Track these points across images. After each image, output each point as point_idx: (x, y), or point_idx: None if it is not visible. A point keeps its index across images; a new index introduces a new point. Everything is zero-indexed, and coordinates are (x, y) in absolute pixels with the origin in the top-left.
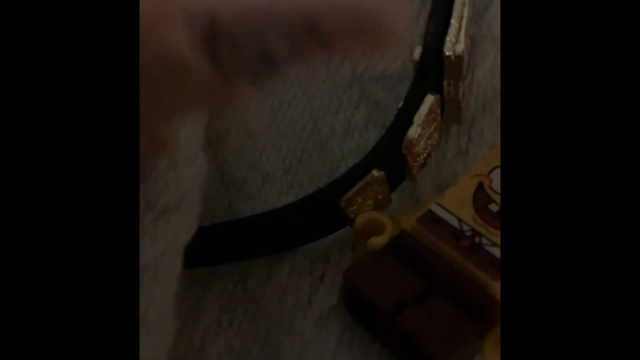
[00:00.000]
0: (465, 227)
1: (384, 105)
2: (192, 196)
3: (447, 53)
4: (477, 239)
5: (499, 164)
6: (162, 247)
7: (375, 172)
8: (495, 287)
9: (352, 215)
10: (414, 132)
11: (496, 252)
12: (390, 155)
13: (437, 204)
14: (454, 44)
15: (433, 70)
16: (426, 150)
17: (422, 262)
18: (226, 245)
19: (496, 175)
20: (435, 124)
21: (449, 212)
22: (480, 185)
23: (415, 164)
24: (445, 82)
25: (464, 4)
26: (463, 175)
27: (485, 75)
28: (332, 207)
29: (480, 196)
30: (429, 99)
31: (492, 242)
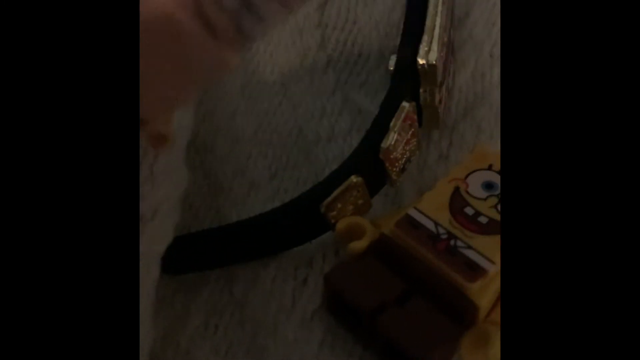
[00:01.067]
0: (441, 231)
1: (367, 112)
2: (168, 207)
3: (420, 62)
4: (452, 242)
5: (475, 168)
6: None
7: (353, 178)
8: (470, 289)
9: (333, 220)
10: (390, 138)
11: (471, 254)
12: (368, 161)
13: (415, 208)
14: (427, 53)
15: (408, 79)
16: (405, 156)
17: (402, 265)
18: (212, 251)
19: (472, 180)
20: (413, 130)
21: (426, 216)
22: (457, 190)
23: (395, 169)
24: (421, 90)
25: (436, 13)
26: (440, 180)
27: (467, 80)
28: (313, 212)
29: (456, 200)
30: (404, 107)
31: (468, 244)
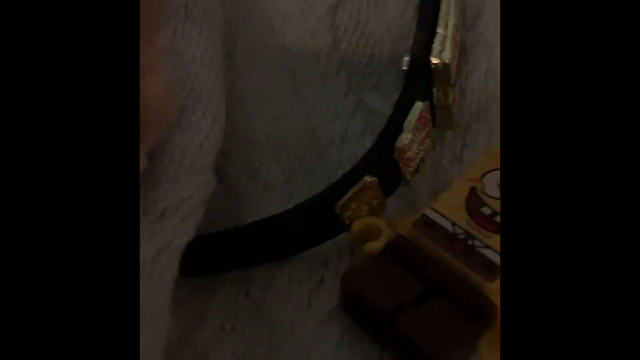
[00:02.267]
0: (458, 231)
1: (380, 114)
2: (191, 205)
3: (433, 61)
4: (470, 242)
5: (491, 168)
6: (158, 247)
7: (367, 178)
8: (489, 288)
9: (348, 221)
10: (404, 138)
11: (489, 254)
12: (382, 162)
13: (432, 208)
14: (441, 52)
15: (421, 78)
16: (419, 156)
17: (419, 265)
18: (227, 253)
19: (489, 179)
20: (427, 130)
21: (443, 216)
22: (473, 190)
23: (409, 169)
24: (434, 89)
25: (449, 12)
26: (457, 180)
27: (479, 81)
28: (327, 213)
29: (473, 200)
30: (418, 106)
31: (485, 244)
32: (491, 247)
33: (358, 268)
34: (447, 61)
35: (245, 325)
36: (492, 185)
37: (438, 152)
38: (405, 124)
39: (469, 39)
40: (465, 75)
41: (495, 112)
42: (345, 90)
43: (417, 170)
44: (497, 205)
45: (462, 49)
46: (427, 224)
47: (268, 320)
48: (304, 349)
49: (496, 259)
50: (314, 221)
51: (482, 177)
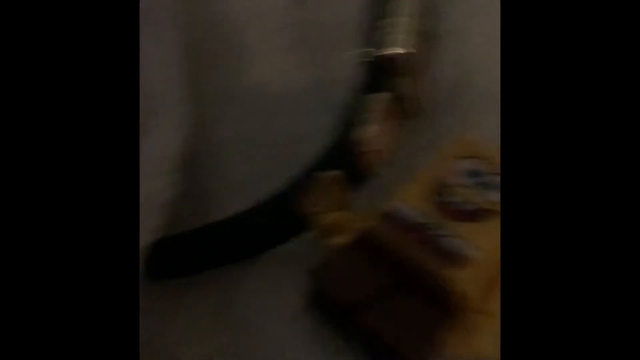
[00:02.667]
0: (425, 221)
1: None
2: (147, 209)
3: (390, 51)
4: (437, 232)
5: (459, 157)
6: None
7: (331, 173)
8: (456, 278)
9: (314, 217)
10: (366, 130)
11: (457, 243)
12: (346, 155)
13: (398, 200)
14: (397, 44)
15: (380, 70)
16: (387, 147)
17: (385, 259)
18: (194, 254)
19: (456, 168)
20: (393, 121)
21: (409, 207)
22: (441, 179)
23: (376, 161)
24: (396, 80)
25: (406, 3)
26: (422, 170)
27: (451, 69)
28: (292, 210)
29: (440, 189)
30: (380, 97)
31: (453, 234)
32: (459, 236)
33: (325, 264)
34: (403, 52)
35: (214, 328)
36: (460, 174)
37: (409, 142)
38: (367, 116)
39: (438, 28)
40: (435, 64)
41: (466, 101)
42: (313, 85)
43: (386, 161)
44: (463, 193)
45: (429, 38)
46: (393, 216)
47: (237, 322)
48: (273, 348)
49: (464, 247)
50: (279, 218)
51: (449, 166)
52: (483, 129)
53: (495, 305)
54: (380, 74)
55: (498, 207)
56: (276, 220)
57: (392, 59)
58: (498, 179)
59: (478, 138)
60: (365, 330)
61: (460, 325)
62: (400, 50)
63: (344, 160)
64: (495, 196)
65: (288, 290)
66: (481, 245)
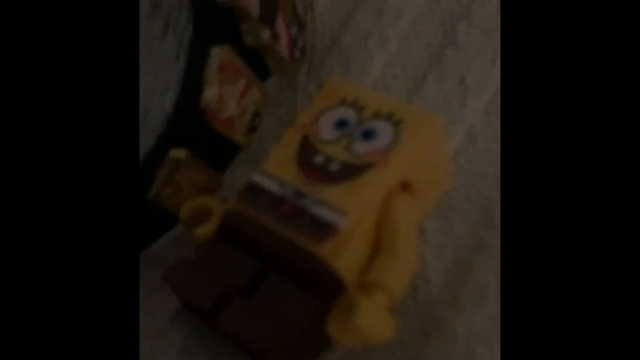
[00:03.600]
0: (287, 191)
1: None
2: None
3: None
4: (299, 202)
5: (325, 107)
6: None
7: (175, 154)
8: (322, 251)
9: (173, 208)
10: (209, 94)
11: (320, 211)
12: (190, 128)
13: (260, 171)
14: None
15: (213, 20)
16: (248, 111)
17: (251, 242)
18: None
19: (323, 122)
20: (243, 78)
21: (270, 177)
22: (306, 138)
23: (238, 130)
24: (240, 30)
25: None
26: (287, 130)
27: (328, 8)
28: (144, 205)
29: (305, 150)
30: (215, 52)
31: (317, 199)
32: (323, 202)
33: (182, 262)
34: None
35: None
36: (326, 128)
37: (291, 98)
38: (204, 77)
39: None
40: (308, 7)
41: (348, 39)
42: (175, 53)
43: (254, 128)
44: (331, 150)
45: None
46: (253, 192)
47: None
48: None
49: (328, 215)
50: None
51: (315, 121)
52: (367, 70)
53: (380, 276)
54: (213, 23)
55: (372, 159)
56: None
57: (222, 4)
58: (365, 126)
59: (345, 81)
60: (229, 332)
61: (338, 306)
62: None
63: (189, 134)
64: (368, 146)
65: (160, 296)
66: (353, 210)
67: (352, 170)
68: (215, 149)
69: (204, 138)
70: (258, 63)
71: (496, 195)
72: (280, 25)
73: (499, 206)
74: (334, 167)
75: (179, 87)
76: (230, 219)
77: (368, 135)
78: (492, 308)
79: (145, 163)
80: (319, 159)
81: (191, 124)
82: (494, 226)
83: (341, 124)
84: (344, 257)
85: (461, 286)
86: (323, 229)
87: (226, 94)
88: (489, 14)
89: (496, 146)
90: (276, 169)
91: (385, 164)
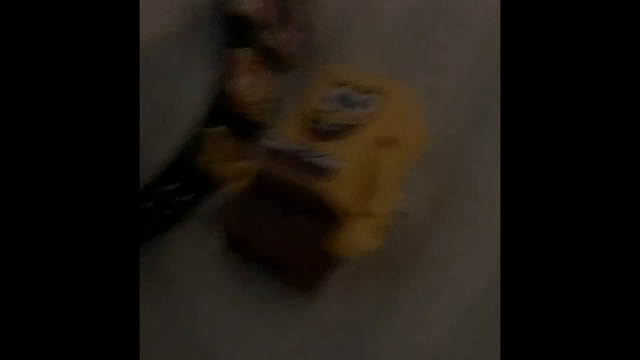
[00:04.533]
0: (298, 149)
1: None
2: None
3: (236, 10)
4: (308, 156)
5: (328, 85)
6: None
7: (211, 129)
8: (326, 187)
9: (214, 172)
10: (237, 86)
11: (324, 160)
12: (221, 110)
13: (276, 137)
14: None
15: (235, 27)
16: (266, 98)
17: (277, 190)
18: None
19: (326, 97)
20: (263, 72)
21: (285, 141)
22: (310, 111)
23: (256, 112)
24: (257, 34)
25: None
26: (297, 104)
27: (332, 15)
28: (195, 169)
29: (310, 120)
30: (242, 53)
31: (321, 153)
32: (327, 154)
33: (224, 206)
34: (254, 8)
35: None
36: (330, 101)
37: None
38: (229, 71)
39: None
40: (307, 14)
41: (347, 39)
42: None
43: (272, 110)
44: (332, 117)
45: None
46: (273, 152)
47: (166, 277)
48: (197, 293)
49: (330, 162)
50: (187, 180)
51: (319, 98)
52: (365, 63)
53: (370, 205)
54: (234, 30)
55: (361, 121)
56: (184, 183)
57: (239, 16)
58: (362, 97)
59: (344, 67)
60: (265, 252)
61: (339, 228)
62: (251, 6)
63: (222, 114)
64: (359, 112)
65: (208, 242)
66: (347, 157)
67: (347, 129)
68: (244, 125)
69: (234, 117)
70: (277, 59)
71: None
72: (293, 29)
73: None
74: (335, 129)
75: (215, 81)
76: (260, 174)
77: (360, 104)
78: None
79: (191, 139)
80: (322, 125)
81: (221, 106)
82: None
83: (342, 98)
84: (342, 191)
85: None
86: (326, 172)
87: (253, 85)
88: None
89: None
90: (289, 134)
91: (370, 123)
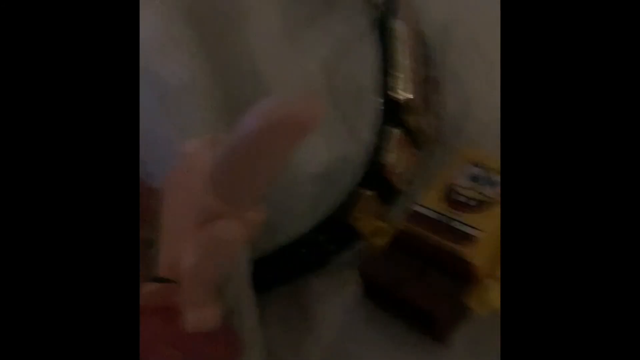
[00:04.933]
0: (441, 217)
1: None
2: None
3: (396, 97)
4: (450, 223)
5: (461, 166)
6: None
7: (366, 192)
8: (466, 252)
9: (360, 228)
10: (388, 158)
11: (465, 228)
12: (375, 178)
13: (419, 204)
14: (402, 91)
15: (393, 111)
16: (408, 170)
17: (416, 249)
18: (274, 271)
19: (460, 175)
20: (409, 150)
21: (428, 208)
22: (448, 184)
23: (400, 181)
24: (406, 118)
25: (405, 59)
26: (434, 180)
27: (455, 105)
28: (343, 225)
29: (449, 192)
30: (393, 132)
31: (462, 222)
32: (466, 223)
33: (369, 260)
34: (409, 96)
35: (296, 325)
36: (463, 179)
37: (428, 164)
38: (386, 148)
39: (439, 75)
40: (440, 102)
41: (471, 128)
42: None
43: (409, 182)
44: (468, 193)
45: (431, 83)
46: (417, 216)
47: (309, 315)
48: (339, 333)
49: (470, 231)
50: (337, 233)
51: (454, 174)
52: (484, 146)
53: (498, 271)
54: (392, 114)
55: (493, 199)
56: (334, 234)
57: (401, 102)
58: (493, 178)
59: (477, 150)
60: (407, 302)
61: (476, 289)
62: (405, 96)
63: (375, 182)
64: (490, 192)
65: (348, 288)
66: (484, 228)
67: (481, 204)
68: (388, 191)
69: (383, 185)
70: (418, 139)
71: None
72: (431, 115)
73: None
74: (471, 203)
75: (372, 153)
76: (401, 233)
77: (491, 184)
78: None
79: (349, 198)
80: (460, 198)
81: (376, 176)
82: None
83: (474, 178)
84: (479, 256)
85: None
86: (467, 239)
87: (398, 158)
88: None
89: None
90: (431, 203)
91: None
